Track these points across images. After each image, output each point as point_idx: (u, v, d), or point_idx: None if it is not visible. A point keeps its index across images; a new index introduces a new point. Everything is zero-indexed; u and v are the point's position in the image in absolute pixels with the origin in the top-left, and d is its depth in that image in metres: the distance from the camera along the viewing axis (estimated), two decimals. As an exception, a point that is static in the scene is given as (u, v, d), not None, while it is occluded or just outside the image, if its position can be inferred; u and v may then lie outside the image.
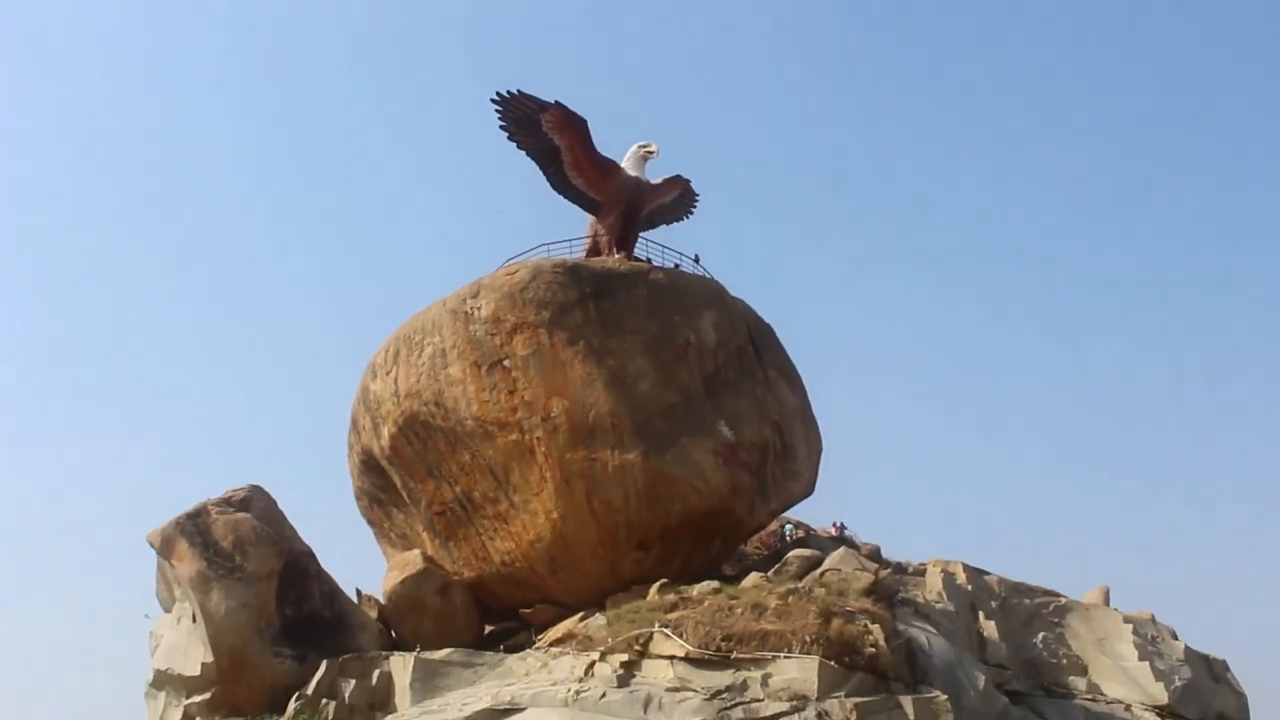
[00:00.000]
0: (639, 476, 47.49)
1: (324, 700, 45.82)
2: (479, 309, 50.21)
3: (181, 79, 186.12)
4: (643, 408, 48.23)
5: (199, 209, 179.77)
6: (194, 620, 49.43)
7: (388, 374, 52.40)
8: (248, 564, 49.22)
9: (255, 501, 52.46)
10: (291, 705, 46.04)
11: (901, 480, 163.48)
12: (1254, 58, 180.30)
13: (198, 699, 48.92)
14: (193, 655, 49.27)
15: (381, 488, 54.87)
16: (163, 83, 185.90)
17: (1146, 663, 54.76)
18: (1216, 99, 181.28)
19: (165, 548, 50.51)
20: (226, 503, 52.15)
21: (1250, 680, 59.62)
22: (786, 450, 52.68)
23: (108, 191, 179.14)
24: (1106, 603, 59.25)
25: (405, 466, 52.26)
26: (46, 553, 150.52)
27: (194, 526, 50.36)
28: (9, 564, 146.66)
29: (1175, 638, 57.67)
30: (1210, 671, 57.08)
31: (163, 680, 51.20)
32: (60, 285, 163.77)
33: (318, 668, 46.95)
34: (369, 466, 54.75)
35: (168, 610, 53.37)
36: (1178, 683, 54.28)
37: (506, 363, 49.04)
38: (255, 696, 47.56)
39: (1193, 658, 56.55)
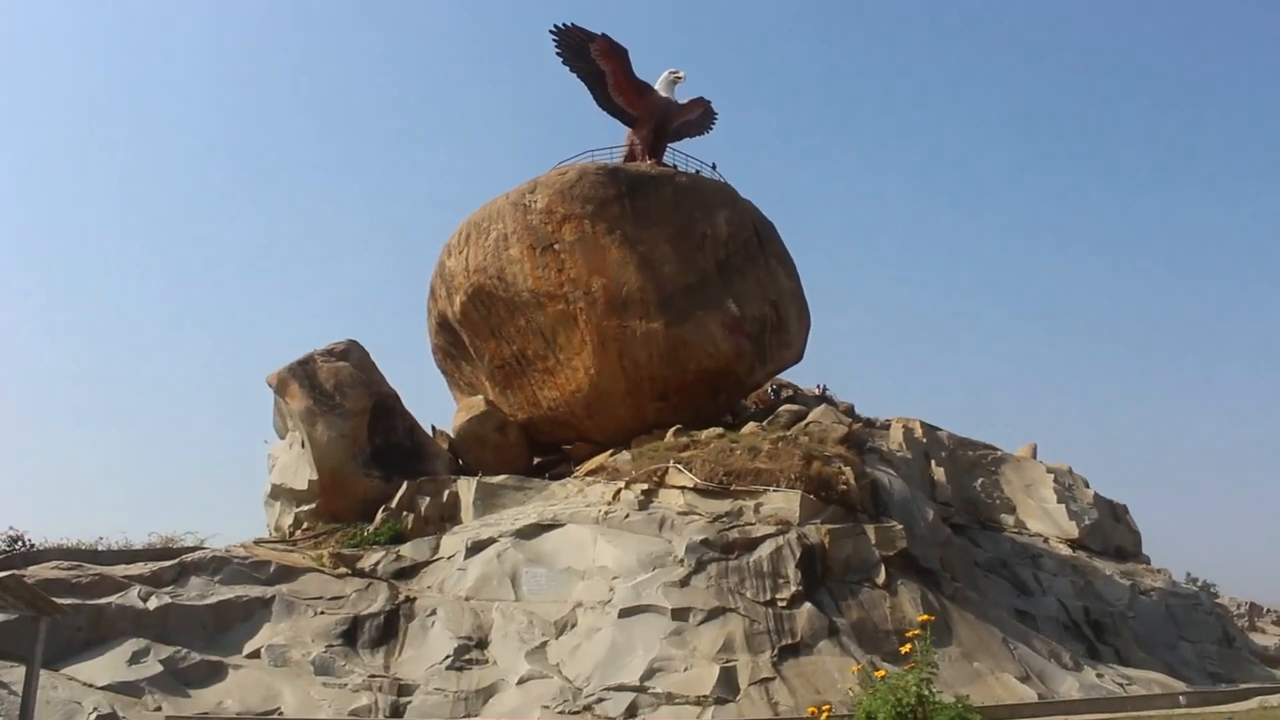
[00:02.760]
0: (661, 341, 47.58)
1: (405, 512, 46.29)
2: (535, 202, 49.91)
3: None
4: (666, 286, 48.14)
5: (315, 104, 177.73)
6: (303, 446, 49.86)
7: (460, 253, 52.17)
8: (345, 402, 49.45)
9: (352, 353, 52.52)
10: (379, 515, 46.57)
11: (874, 352, 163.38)
12: None
13: (305, 508, 49.62)
14: (301, 474, 49.76)
15: (453, 344, 54.92)
16: None
17: (1063, 505, 55.21)
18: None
19: (280, 387, 50.78)
20: (329, 353, 52.23)
21: (1144, 521, 59.93)
22: (781, 324, 52.56)
23: (230, 60, 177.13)
24: (1034, 456, 59.53)
25: (472, 328, 52.25)
26: (192, 388, 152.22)
27: (303, 371, 50.55)
28: (162, 393, 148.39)
29: (1087, 486, 58.02)
30: (1113, 513, 57.50)
31: (278, 492, 51.82)
32: (208, 169, 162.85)
33: (400, 487, 47.35)
34: (443, 327, 54.76)
35: (282, 437, 53.80)
36: (1086, 522, 54.74)
37: (556, 246, 48.83)
38: (350, 507, 48.15)
39: (1100, 502, 56.90)
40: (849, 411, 57.01)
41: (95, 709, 33.13)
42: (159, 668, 36.03)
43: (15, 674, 30.93)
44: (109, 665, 35.78)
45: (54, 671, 33.69)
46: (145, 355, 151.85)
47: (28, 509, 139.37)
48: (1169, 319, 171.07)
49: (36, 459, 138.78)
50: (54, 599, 25.10)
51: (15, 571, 27.90)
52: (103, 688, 34.59)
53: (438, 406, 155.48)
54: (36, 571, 37.11)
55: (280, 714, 33.99)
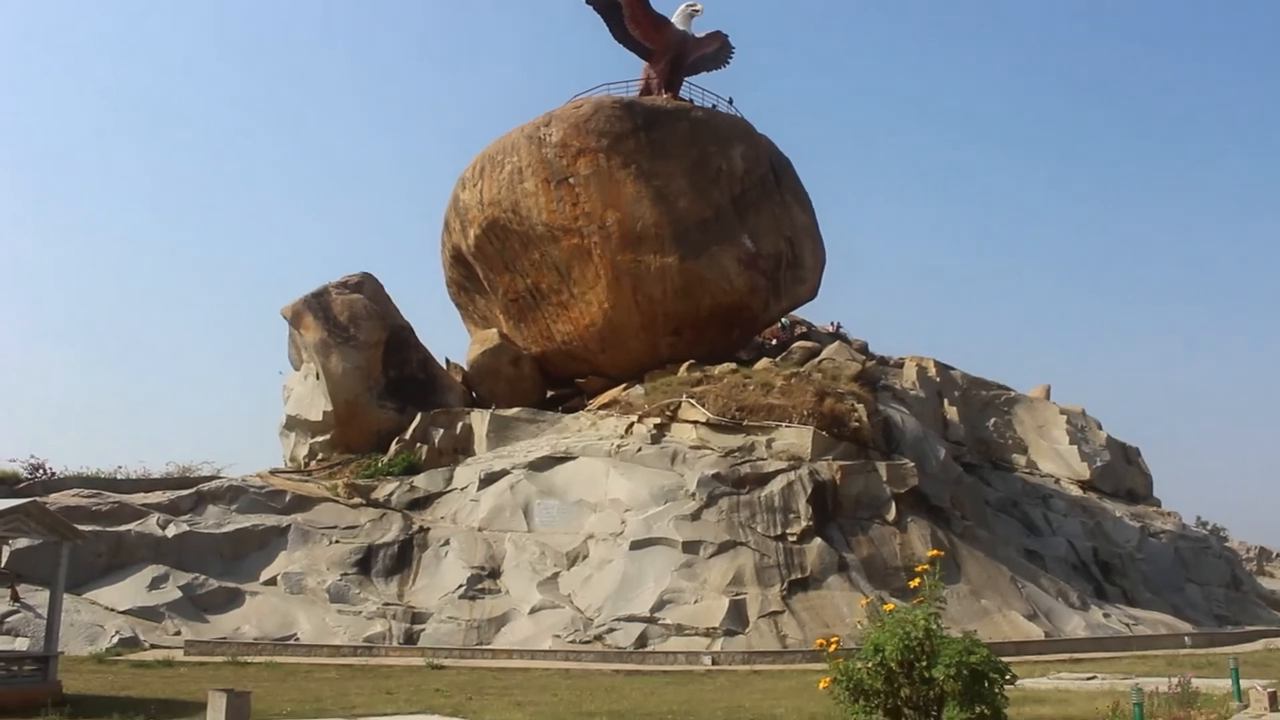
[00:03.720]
0: (676, 276, 47.53)
1: (418, 444, 46.67)
2: (550, 135, 49.58)
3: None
4: (681, 220, 47.98)
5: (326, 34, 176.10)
6: (317, 378, 50.16)
7: (474, 186, 51.98)
8: (360, 334, 49.64)
9: (366, 285, 52.61)
10: (393, 446, 46.97)
11: (890, 290, 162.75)
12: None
13: (320, 439, 50.02)
14: (316, 405, 50.12)
15: (467, 278, 54.96)
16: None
17: (1075, 447, 55.26)
18: None
19: (295, 319, 50.96)
20: (344, 285, 52.31)
21: (1156, 464, 60.05)
22: (796, 260, 52.42)
23: None
24: (1047, 397, 59.50)
25: (487, 262, 52.26)
26: (208, 319, 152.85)
27: (318, 303, 50.70)
28: (178, 324, 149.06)
29: (1100, 428, 58.00)
30: (1125, 456, 57.56)
31: (293, 423, 52.23)
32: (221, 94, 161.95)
33: (414, 418, 47.72)
34: (458, 260, 54.76)
35: (297, 369, 54.08)
36: (1098, 463, 54.85)
37: (571, 180, 48.61)
38: (364, 438, 48.56)
39: (1112, 444, 56.96)
40: (863, 349, 57.05)
41: (117, 632, 33.90)
42: (178, 594, 36.80)
43: (40, 598, 31.61)
44: (130, 590, 36.54)
45: (77, 596, 34.44)
46: (161, 286, 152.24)
47: (48, 438, 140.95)
48: (1189, 264, 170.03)
49: (56, 389, 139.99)
50: (75, 525, 25.56)
51: (36, 498, 28.30)
52: (124, 612, 35.37)
53: (452, 340, 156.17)
54: (57, 499, 37.73)
55: (296, 640, 34.71)
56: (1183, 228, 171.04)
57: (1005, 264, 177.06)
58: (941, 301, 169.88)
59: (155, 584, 36.82)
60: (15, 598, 33.62)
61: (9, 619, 32.67)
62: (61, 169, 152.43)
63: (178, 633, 34.59)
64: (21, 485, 39.63)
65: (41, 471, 42.78)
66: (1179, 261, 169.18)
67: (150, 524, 39.24)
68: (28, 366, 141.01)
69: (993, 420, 55.81)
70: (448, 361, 55.73)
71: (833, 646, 12.89)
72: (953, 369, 56.54)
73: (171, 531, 39.10)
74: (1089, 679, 25.22)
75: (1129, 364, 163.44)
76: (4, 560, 32.99)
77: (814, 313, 62.46)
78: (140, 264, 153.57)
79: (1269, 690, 18.00)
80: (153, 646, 33.13)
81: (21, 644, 30.00)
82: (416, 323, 53.17)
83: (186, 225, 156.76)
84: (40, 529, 22.00)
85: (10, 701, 18.83)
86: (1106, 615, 39.79)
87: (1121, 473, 56.19)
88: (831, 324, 61.34)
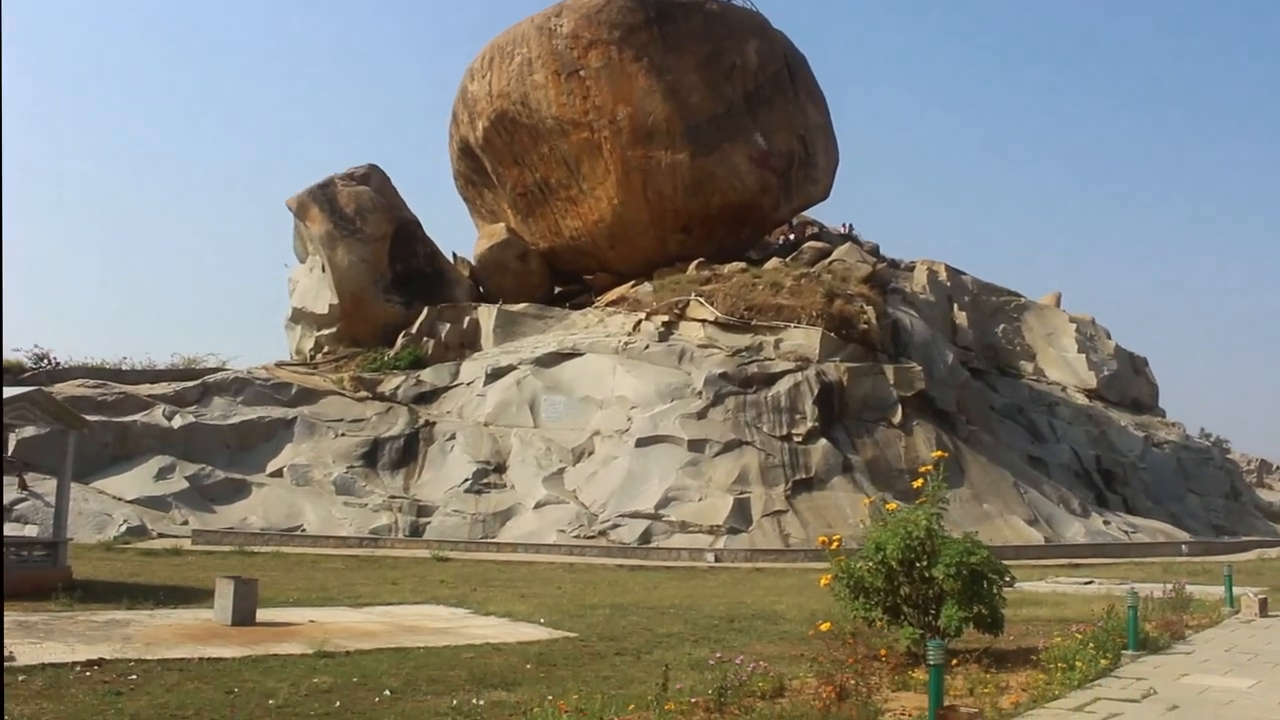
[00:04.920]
0: (686, 172, 47.09)
1: (425, 338, 46.79)
2: (561, 26, 48.67)
3: None
4: (692, 116, 47.35)
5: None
6: (323, 270, 50.08)
7: (483, 77, 51.20)
8: (366, 227, 49.43)
9: (373, 177, 52.22)
10: (399, 340, 47.10)
11: (903, 193, 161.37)
12: None
13: (326, 332, 50.18)
14: (322, 298, 50.15)
15: (475, 171, 54.48)
16: None
17: (1083, 355, 55.27)
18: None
19: (301, 211, 50.69)
20: (350, 177, 51.93)
21: (1163, 375, 60.06)
22: (809, 159, 51.83)
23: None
24: (1058, 305, 59.38)
25: (495, 155, 51.75)
26: (213, 210, 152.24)
27: (323, 195, 50.39)
28: (183, 214, 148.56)
29: (1109, 337, 57.98)
30: (1133, 366, 57.62)
31: (299, 316, 52.33)
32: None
33: (420, 312, 47.78)
34: (465, 153, 54.21)
35: (302, 261, 53.99)
36: (1105, 372, 54.91)
37: (582, 73, 47.85)
38: (371, 332, 48.68)
39: (1121, 354, 56.97)
40: (874, 251, 56.73)
41: (125, 521, 34.46)
42: (184, 484, 37.30)
43: (47, 486, 32.04)
44: (137, 480, 37.04)
45: (85, 485, 34.91)
46: (166, 176, 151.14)
47: (52, 328, 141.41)
48: (1203, 176, 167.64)
49: (60, 279, 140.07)
50: (80, 415, 25.79)
51: (42, 387, 28.51)
52: (131, 501, 35.90)
53: (459, 234, 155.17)
54: (63, 389, 37.98)
55: (303, 531, 35.28)
56: (1199, 138, 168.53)
57: (1021, 170, 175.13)
58: (955, 206, 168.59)
59: (162, 474, 37.29)
60: (23, 486, 34.11)
61: (18, 506, 33.16)
62: (70, 62, 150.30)
63: (185, 522, 35.14)
64: (26, 375, 39.89)
65: (46, 361, 43.04)
66: (1194, 174, 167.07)
67: (156, 415, 39.59)
68: (34, 257, 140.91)
69: (1002, 326, 55.76)
70: (455, 256, 55.58)
71: (835, 545, 13.10)
72: (964, 274, 56.31)
73: (177, 422, 39.45)
74: (1086, 584, 25.62)
75: (1141, 274, 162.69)
76: (11, 449, 33.43)
77: (826, 214, 62.02)
78: (146, 156, 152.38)
79: (1260, 597, 18.36)
80: (160, 535, 33.70)
81: (31, 531, 30.51)
82: (424, 216, 53.03)
83: (193, 117, 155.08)
84: (46, 417, 22.21)
85: (23, 586, 19.22)
86: (1106, 522, 40.24)
87: (1128, 382, 56.32)
88: (843, 225, 60.85)
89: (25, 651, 12.45)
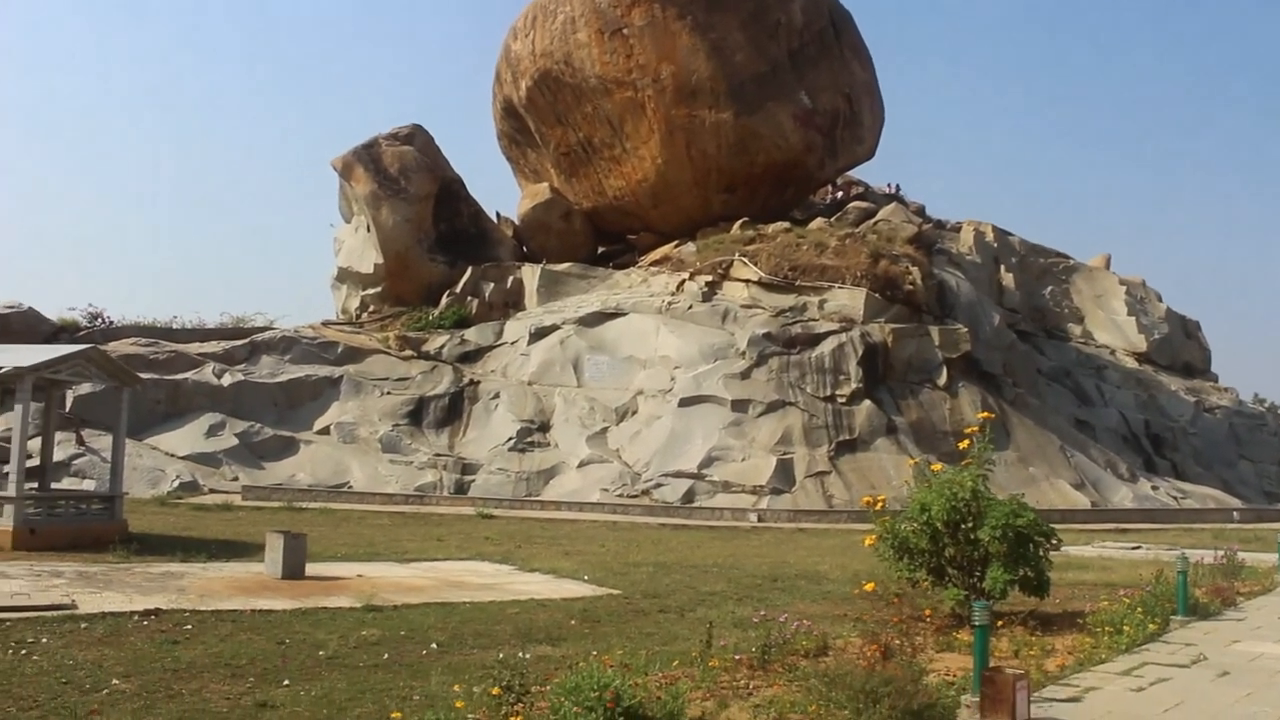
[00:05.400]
0: (730, 132, 46.69)
1: (469, 297, 46.98)
2: (605, -17, 48.14)
3: None
4: (736, 74, 46.82)
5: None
6: (368, 230, 50.30)
7: (526, 36, 50.94)
8: (410, 186, 49.56)
9: (417, 137, 52.29)
10: (443, 300, 47.35)
11: (950, 152, 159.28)
12: None
13: (371, 291, 50.49)
14: (367, 257, 50.42)
15: (519, 131, 54.37)
16: None
17: (1133, 318, 54.53)
18: None
19: (346, 171, 50.87)
20: (394, 137, 52.01)
21: (1216, 339, 59.03)
22: (854, 118, 51.21)
23: None
24: (1107, 267, 58.52)
25: (538, 114, 51.58)
26: (259, 171, 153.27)
27: (368, 155, 50.52)
28: (229, 174, 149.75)
29: (1160, 300, 57.13)
30: (1185, 329, 56.79)
31: (344, 275, 52.67)
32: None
33: (464, 272, 47.94)
34: (509, 113, 54.09)
35: (348, 221, 54.24)
36: (1156, 336, 54.14)
37: (625, 31, 47.43)
38: (415, 291, 48.93)
39: (1172, 317, 56.14)
40: (919, 212, 56.17)
41: (178, 476, 35.09)
42: (234, 441, 37.88)
43: (103, 442, 32.74)
44: (188, 437, 37.66)
45: (139, 441, 35.56)
46: (215, 137, 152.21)
47: (104, 287, 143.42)
48: (1260, 136, 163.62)
49: (113, 240, 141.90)
50: (134, 372, 26.26)
51: (96, 345, 29.02)
52: (183, 458, 36.53)
53: (503, 194, 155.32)
54: (116, 347, 38.57)
55: (349, 488, 35.74)
56: (1257, 98, 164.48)
57: (1071, 130, 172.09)
58: (1002, 166, 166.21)
59: (212, 431, 37.89)
60: (80, 441, 34.84)
61: (75, 461, 33.87)
62: (121, 19, 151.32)
63: (235, 478, 35.71)
64: (81, 333, 40.56)
65: (100, 320, 43.70)
66: (1251, 134, 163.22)
67: (206, 373, 40.16)
68: (88, 219, 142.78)
69: (1049, 288, 55.07)
70: (498, 215, 55.64)
71: (879, 505, 13.08)
72: (1011, 235, 55.62)
73: (227, 380, 40.00)
74: (1134, 549, 25.43)
75: (1195, 237, 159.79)
76: (68, 405, 34.08)
77: (871, 173, 61.49)
78: (195, 118, 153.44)
79: (1315, 564, 18.10)
80: (211, 491, 34.29)
81: (88, 486, 31.16)
82: (467, 176, 52.97)
83: (241, 78, 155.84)
84: (101, 374, 22.58)
85: (82, 537, 19.69)
86: (1155, 488, 39.86)
87: (1179, 346, 55.51)
88: (889, 185, 60.28)
89: (86, 600, 12.78)
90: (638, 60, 47.15)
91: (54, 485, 25.19)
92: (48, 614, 11.74)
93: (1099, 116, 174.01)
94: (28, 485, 20.73)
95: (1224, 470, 47.01)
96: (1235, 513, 37.80)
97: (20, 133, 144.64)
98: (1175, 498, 39.43)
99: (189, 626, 11.40)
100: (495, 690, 7.06)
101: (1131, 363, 52.25)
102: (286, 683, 8.81)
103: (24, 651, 9.76)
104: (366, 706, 8.00)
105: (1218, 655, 10.85)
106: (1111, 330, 54.21)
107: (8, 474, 20.80)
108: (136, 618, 11.78)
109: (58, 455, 29.72)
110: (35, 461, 24.74)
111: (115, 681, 8.62)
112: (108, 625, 11.28)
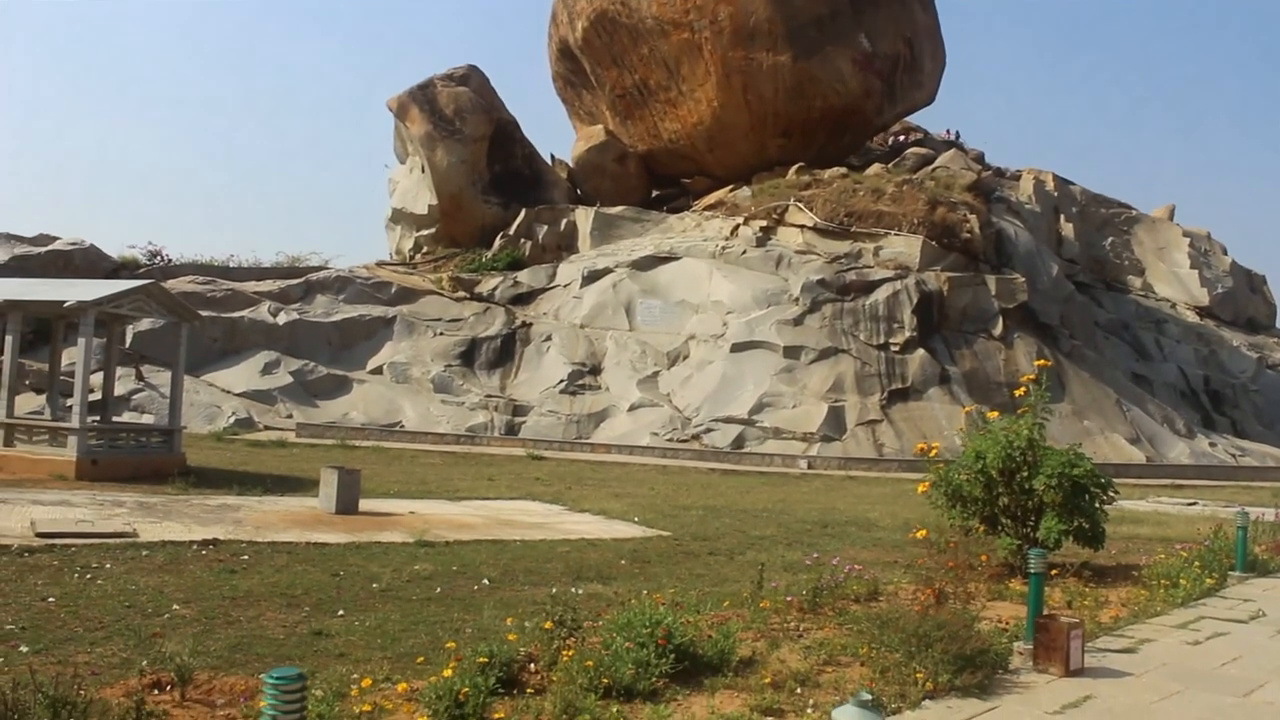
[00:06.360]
0: (788, 75, 46.02)
1: (522, 240, 47.00)
2: (662, -78, 47.38)
3: None
4: (795, 17, 45.97)
5: None
6: (423, 171, 50.36)
7: (582, -25, 50.32)
8: (465, 128, 49.46)
9: (472, 78, 52.07)
10: (497, 242, 47.41)
11: (1012, 99, 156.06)
12: None
13: (425, 232, 50.70)
14: (421, 198, 50.55)
15: (574, 72, 53.98)
16: None
17: (1196, 271, 53.43)
18: None
19: (401, 111, 50.86)
20: (449, 78, 51.84)
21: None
22: (914, 63, 50.23)
23: None
24: (1171, 218, 57.27)
25: (594, 55, 51.14)
26: (315, 110, 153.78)
27: (423, 95, 50.42)
28: (285, 114, 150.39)
29: (1225, 253, 55.89)
30: (1250, 283, 55.55)
31: (399, 216, 52.88)
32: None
33: (518, 214, 47.93)
34: (564, 54, 53.68)
35: (402, 162, 54.36)
36: (1219, 290, 53.04)
37: (683, -30, 46.62)
38: (469, 233, 49.04)
39: (1237, 271, 54.93)
40: (979, 159, 55.17)
41: (234, 413, 35.65)
42: (289, 379, 38.37)
43: (162, 378, 33.32)
44: (244, 374, 38.20)
45: (196, 378, 36.14)
46: (272, 78, 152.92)
47: (164, 225, 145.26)
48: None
49: (171, 178, 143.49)
50: (192, 309, 26.65)
51: (156, 281, 29.44)
52: (239, 394, 37.09)
53: (558, 136, 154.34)
54: (174, 285, 39.07)
55: (402, 427, 36.13)
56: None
57: (1137, 76, 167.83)
58: (1065, 113, 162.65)
59: (268, 369, 38.38)
60: (140, 377, 35.48)
61: (135, 396, 34.51)
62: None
63: (289, 416, 36.21)
64: (141, 270, 41.13)
65: (159, 258, 44.25)
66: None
67: (262, 311, 40.61)
68: (147, 158, 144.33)
69: (1110, 239, 54.03)
70: (553, 158, 55.47)
71: (933, 452, 12.97)
72: (1072, 184, 54.53)
73: (282, 319, 40.44)
74: (1190, 504, 25.12)
75: (1264, 188, 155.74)
76: (129, 340, 34.69)
77: (931, 119, 60.39)
78: (253, 59, 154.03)
79: (1378, 523, 17.71)
80: (266, 428, 34.82)
81: (147, 420, 31.77)
82: (522, 118, 52.86)
83: (298, 19, 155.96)
84: (161, 310, 22.90)
85: (143, 469, 20.10)
86: (1213, 444, 39.23)
87: (1243, 300, 54.32)
88: (948, 132, 59.21)
89: (147, 530, 13.05)
90: (695, 1, 46.48)
91: (114, 419, 25.68)
92: (110, 541, 12.01)
93: (1168, 64, 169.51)
94: (90, 418, 21.16)
95: (1285, 428, 46.14)
96: (1295, 471, 37.13)
97: (85, 78, 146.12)
98: (1234, 455, 38.80)
99: (246, 557, 11.61)
100: (548, 625, 7.11)
101: (1193, 317, 51.25)
102: (341, 613, 8.95)
103: (89, 576, 10.00)
104: (420, 637, 8.10)
105: (1277, 612, 10.67)
106: (1173, 283, 53.16)
107: (72, 406, 21.25)
108: (195, 547, 12.02)
109: (118, 390, 30.32)
110: (97, 395, 25.26)
111: (176, 607, 8.81)
112: (168, 554, 11.52)
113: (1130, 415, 38.20)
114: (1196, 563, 12.13)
